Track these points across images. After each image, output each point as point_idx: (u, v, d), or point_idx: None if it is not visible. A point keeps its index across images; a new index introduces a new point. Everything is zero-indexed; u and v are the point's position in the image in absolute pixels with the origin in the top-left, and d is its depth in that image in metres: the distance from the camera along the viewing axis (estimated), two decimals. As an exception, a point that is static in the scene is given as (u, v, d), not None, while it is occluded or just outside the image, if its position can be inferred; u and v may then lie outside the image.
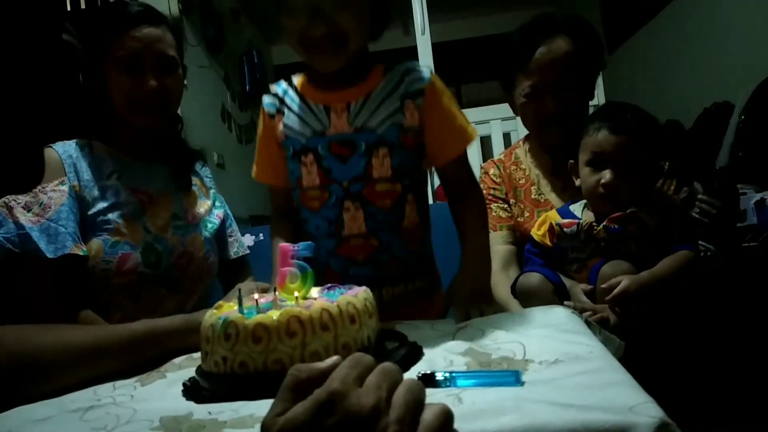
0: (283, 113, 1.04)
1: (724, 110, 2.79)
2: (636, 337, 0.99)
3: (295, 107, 1.03)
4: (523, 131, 2.19)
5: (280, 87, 1.07)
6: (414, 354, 0.71)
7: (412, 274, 1.07)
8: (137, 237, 1.18)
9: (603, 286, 1.11)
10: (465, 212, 1.07)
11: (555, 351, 0.66)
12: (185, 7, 3.20)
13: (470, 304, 0.94)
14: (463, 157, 1.08)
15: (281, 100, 1.06)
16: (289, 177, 1.07)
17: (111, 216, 1.16)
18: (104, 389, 0.72)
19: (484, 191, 1.50)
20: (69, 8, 3.08)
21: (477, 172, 2.41)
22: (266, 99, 1.08)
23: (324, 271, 1.05)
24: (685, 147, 2.85)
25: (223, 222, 1.40)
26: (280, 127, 1.04)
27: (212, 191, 1.42)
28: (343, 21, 0.92)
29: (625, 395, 0.50)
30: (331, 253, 1.04)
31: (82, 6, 3.10)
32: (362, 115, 0.99)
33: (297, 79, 1.06)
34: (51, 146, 1.20)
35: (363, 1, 0.93)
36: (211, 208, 1.37)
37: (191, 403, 0.62)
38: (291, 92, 1.05)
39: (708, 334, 1.11)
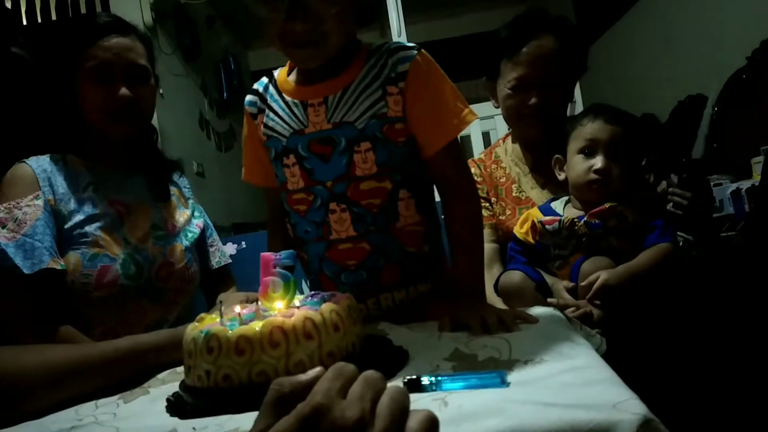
0: (264, 112, 1.01)
1: (698, 103, 2.84)
2: (618, 331, 1.00)
3: (274, 105, 1.00)
4: (502, 130, 2.19)
5: (261, 84, 1.04)
6: (400, 359, 0.71)
7: (414, 277, 0.98)
8: (116, 248, 1.16)
9: (583, 284, 1.12)
10: (456, 217, 0.97)
11: (540, 350, 0.66)
12: (158, 16, 3.17)
13: (471, 318, 0.82)
14: (452, 148, 0.96)
15: (262, 98, 1.02)
16: (276, 179, 1.03)
17: (88, 228, 1.15)
18: (86, 408, 0.71)
19: None
20: (25, 22, 3.04)
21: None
22: (248, 98, 1.05)
23: (318, 277, 1.01)
24: (662, 140, 2.90)
25: (203, 232, 1.38)
26: (262, 128, 1.01)
27: (191, 201, 1.41)
28: (324, 16, 0.87)
29: (608, 392, 0.51)
30: (323, 258, 0.99)
31: (39, 20, 3.06)
32: (340, 110, 0.94)
33: (278, 73, 1.02)
34: (24, 161, 1.18)
35: None
36: (190, 218, 1.36)
37: (175, 419, 0.61)
38: (271, 88, 1.02)
39: (689, 325, 1.12)
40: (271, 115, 1.00)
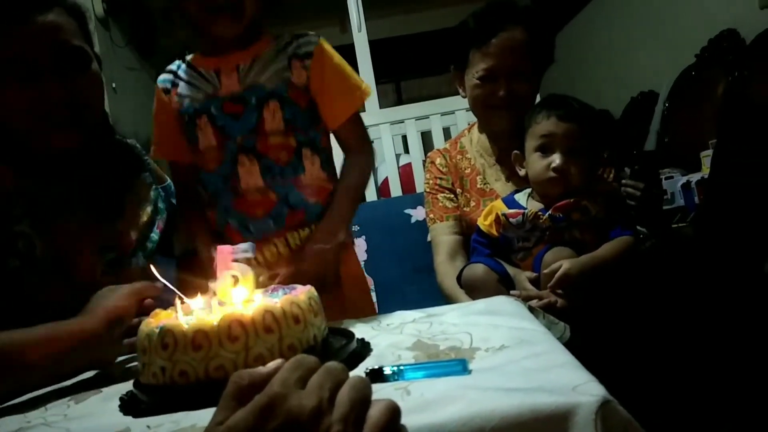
0: (178, 85, 1.10)
1: (650, 99, 2.93)
2: (580, 319, 1.02)
3: (188, 77, 1.10)
4: (463, 125, 2.20)
5: (174, 64, 1.13)
6: (362, 351, 0.70)
7: (317, 218, 1.09)
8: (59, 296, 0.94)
9: (545, 271, 1.14)
10: (348, 164, 1.12)
11: (501, 337, 0.67)
12: (111, 7, 3.06)
13: (315, 242, 1.03)
14: (355, 118, 1.12)
15: (175, 75, 1.12)
16: (187, 149, 1.10)
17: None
18: (35, 412, 0.67)
19: (431, 181, 1.51)
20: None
21: (420, 164, 2.40)
22: (161, 77, 1.13)
23: (224, 230, 1.08)
24: (615, 135, 2.97)
25: (169, 220, 1.19)
26: (175, 98, 1.10)
27: (153, 190, 1.18)
28: None
29: (568, 376, 0.51)
30: (229, 210, 1.07)
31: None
32: (251, 74, 1.06)
33: (190, 56, 1.12)
34: None
35: None
36: (151, 219, 1.15)
37: (129, 418, 0.59)
38: (183, 66, 1.12)
39: (645, 313, 1.15)
40: (184, 85, 1.09)
